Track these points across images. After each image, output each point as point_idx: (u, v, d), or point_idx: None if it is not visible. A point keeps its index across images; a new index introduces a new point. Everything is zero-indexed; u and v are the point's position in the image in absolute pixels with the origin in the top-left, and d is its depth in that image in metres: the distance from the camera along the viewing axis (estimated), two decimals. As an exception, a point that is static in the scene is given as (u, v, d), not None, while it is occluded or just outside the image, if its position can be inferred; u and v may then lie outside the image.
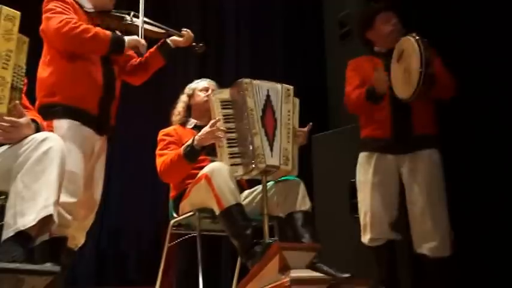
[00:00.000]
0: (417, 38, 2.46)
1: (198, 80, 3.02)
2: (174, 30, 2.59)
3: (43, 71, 2.31)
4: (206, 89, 2.92)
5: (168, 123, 3.02)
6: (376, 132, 2.68)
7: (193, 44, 2.62)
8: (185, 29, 2.61)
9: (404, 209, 2.64)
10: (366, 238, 2.67)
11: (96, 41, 2.24)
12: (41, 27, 2.31)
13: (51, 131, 2.09)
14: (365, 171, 2.69)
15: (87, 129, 2.27)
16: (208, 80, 3.02)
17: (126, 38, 2.35)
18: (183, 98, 2.95)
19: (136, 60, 2.59)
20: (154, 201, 5.28)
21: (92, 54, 2.32)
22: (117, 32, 2.36)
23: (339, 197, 3.19)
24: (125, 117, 5.25)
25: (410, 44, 2.48)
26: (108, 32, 2.31)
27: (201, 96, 2.90)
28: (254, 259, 2.16)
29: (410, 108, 2.60)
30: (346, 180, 3.13)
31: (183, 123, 2.89)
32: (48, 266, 1.50)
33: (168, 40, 2.56)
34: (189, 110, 2.92)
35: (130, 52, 2.52)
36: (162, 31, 2.55)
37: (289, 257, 1.85)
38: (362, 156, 2.73)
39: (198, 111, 2.89)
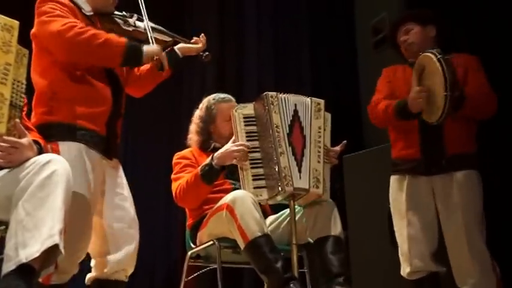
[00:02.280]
0: (438, 56, 2.43)
1: (215, 97, 2.89)
2: (180, 37, 2.50)
3: (38, 83, 2.21)
4: (230, 118, 2.62)
5: (184, 144, 3.01)
6: (405, 152, 2.66)
7: (200, 53, 2.52)
8: (200, 36, 2.52)
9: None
10: (405, 271, 2.63)
11: (107, 50, 2.12)
12: (33, 31, 2.19)
13: (57, 154, 2.04)
14: (397, 197, 2.68)
15: (95, 153, 2.20)
16: (229, 97, 2.91)
17: (145, 48, 2.20)
18: (200, 123, 2.85)
19: (138, 69, 2.49)
20: (168, 235, 5.30)
21: (100, 65, 2.22)
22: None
23: (376, 225, 3.16)
24: (133, 137, 5.38)
25: (432, 62, 2.45)
26: (122, 39, 2.17)
27: (228, 129, 2.71)
28: None
29: (441, 125, 2.56)
30: (384, 206, 3.08)
31: (201, 146, 2.85)
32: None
33: (175, 48, 2.46)
34: (208, 134, 2.85)
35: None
36: (169, 38, 2.45)
37: None
38: (393, 179, 2.72)
39: (224, 139, 2.73)
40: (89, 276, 2.28)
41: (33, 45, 2.23)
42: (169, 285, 5.08)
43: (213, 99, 2.89)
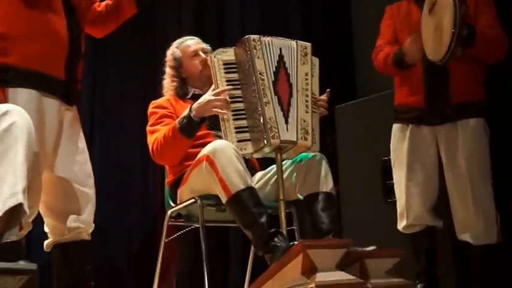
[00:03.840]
0: None
1: (180, 41, 2.94)
2: None
3: None
4: (196, 53, 2.86)
5: (159, 93, 3.01)
6: (408, 99, 2.71)
7: None
8: None
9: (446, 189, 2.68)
10: (401, 225, 2.73)
11: None
12: None
13: (4, 101, 2.01)
14: (399, 147, 2.74)
15: (52, 100, 2.18)
16: (193, 37, 2.97)
17: None
18: (171, 72, 2.90)
19: (99, 5, 2.45)
20: (144, 191, 5.33)
21: None
22: None
23: (369, 178, 3.23)
24: (101, 86, 5.34)
25: None
26: None
27: (196, 65, 2.84)
28: (275, 253, 2.17)
29: (447, 70, 2.61)
30: (377, 159, 3.14)
31: (179, 94, 2.87)
32: (22, 264, 1.51)
33: None
34: (182, 81, 2.88)
35: None
36: None
37: (315, 257, 1.87)
38: (395, 128, 2.78)
39: (199, 82, 2.84)
40: (47, 242, 2.29)
41: None
42: (147, 247, 5.13)
43: (176, 44, 2.96)
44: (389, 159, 2.83)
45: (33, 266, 1.52)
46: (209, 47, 2.87)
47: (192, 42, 2.93)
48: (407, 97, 2.71)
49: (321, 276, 1.84)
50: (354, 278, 1.94)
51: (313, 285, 1.80)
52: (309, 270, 1.85)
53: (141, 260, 5.08)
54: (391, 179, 2.84)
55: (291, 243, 2.13)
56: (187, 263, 4.15)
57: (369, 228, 3.14)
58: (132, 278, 5.05)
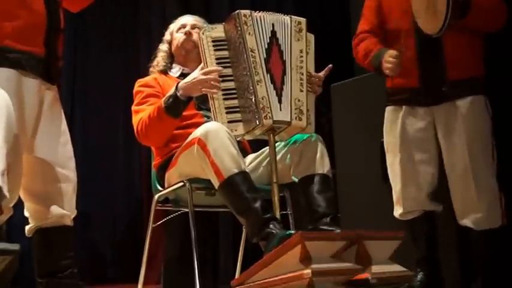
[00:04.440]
0: None
1: (179, 19, 3.02)
2: None
3: None
4: (183, 26, 2.93)
5: (144, 72, 3.02)
6: (401, 80, 2.68)
7: None
8: None
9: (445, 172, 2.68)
10: (397, 212, 2.73)
11: None
12: None
13: None
14: (392, 131, 2.73)
15: (32, 80, 2.19)
16: (189, 15, 3.03)
17: None
18: (163, 47, 2.97)
19: None
20: (129, 175, 5.35)
21: None
22: None
23: (367, 161, 3.24)
24: (82, 64, 5.33)
25: None
26: None
27: (178, 37, 2.91)
28: (269, 241, 2.18)
29: (442, 44, 2.59)
30: (376, 140, 3.14)
31: (166, 71, 2.90)
32: (4, 244, 1.52)
33: None
34: (171, 58, 2.94)
35: None
36: None
37: (313, 248, 1.87)
38: (388, 111, 2.77)
39: (181, 57, 2.91)
40: (29, 227, 2.30)
41: None
42: (133, 233, 5.16)
43: (173, 24, 3.01)
44: None
45: (15, 246, 1.54)
46: (205, 25, 2.81)
47: (187, 18, 2.98)
48: (400, 77, 2.66)
49: (318, 265, 1.85)
50: (352, 264, 1.95)
51: (309, 271, 1.81)
52: (306, 259, 1.86)
53: (126, 247, 5.12)
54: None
55: (288, 232, 2.14)
56: (175, 249, 4.18)
57: (367, 212, 3.16)
58: (117, 266, 5.09)
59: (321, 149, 2.53)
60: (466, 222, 2.59)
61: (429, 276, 2.65)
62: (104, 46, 5.34)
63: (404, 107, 2.69)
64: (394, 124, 2.71)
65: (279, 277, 1.92)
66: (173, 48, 2.93)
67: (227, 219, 4.08)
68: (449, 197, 2.67)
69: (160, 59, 2.92)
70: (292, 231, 2.09)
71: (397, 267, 2.11)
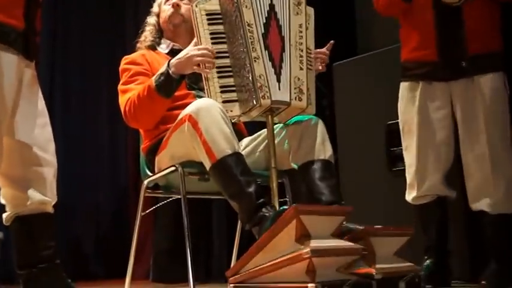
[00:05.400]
0: None
1: None
2: None
3: None
4: None
5: (130, 49, 3.01)
6: (418, 52, 2.72)
7: None
8: None
9: (460, 154, 2.71)
10: (410, 195, 2.76)
11: None
12: None
13: None
14: (408, 109, 2.76)
15: (11, 55, 2.18)
16: None
17: None
18: (151, 20, 2.98)
19: None
20: (113, 160, 5.35)
21: None
22: None
23: (371, 145, 3.28)
24: (64, 39, 5.31)
25: None
26: None
27: (165, 10, 2.92)
28: (262, 225, 2.18)
29: (462, 17, 2.63)
30: (380, 123, 3.17)
31: (154, 47, 2.90)
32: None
33: None
34: (160, 32, 2.95)
35: None
36: None
37: (310, 224, 1.88)
38: (403, 87, 2.79)
39: (169, 31, 2.92)
40: (6, 214, 2.31)
41: None
42: (117, 223, 5.18)
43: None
44: (396, 123, 2.86)
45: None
46: None
47: None
48: (417, 50, 2.72)
49: (316, 242, 1.85)
50: (353, 244, 1.97)
51: (308, 249, 1.81)
52: (303, 236, 1.86)
53: (110, 239, 5.14)
54: (397, 145, 2.91)
55: (281, 209, 2.14)
56: (166, 241, 4.20)
57: (370, 200, 3.20)
58: (100, 260, 5.11)
59: (321, 132, 2.55)
60: (481, 205, 2.63)
61: (437, 264, 2.69)
62: (87, 20, 5.34)
63: (421, 82, 2.72)
64: (411, 102, 2.74)
65: (276, 261, 1.92)
66: (161, 21, 2.94)
67: (221, 206, 4.09)
68: (459, 182, 2.72)
69: (148, 34, 2.93)
70: (286, 207, 2.10)
71: (402, 263, 2.14)
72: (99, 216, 5.32)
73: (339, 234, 2.02)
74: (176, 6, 2.87)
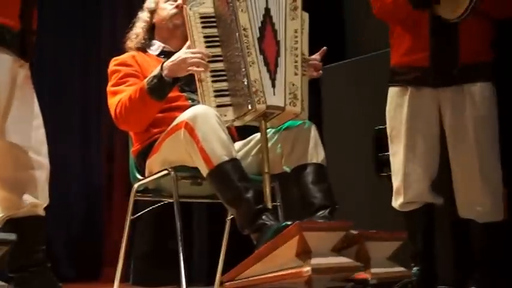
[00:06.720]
0: None
1: None
2: None
3: None
4: None
5: (112, 47, 3.03)
6: (410, 57, 2.79)
7: None
8: None
9: (447, 161, 2.79)
10: (397, 202, 2.85)
11: None
12: None
13: None
14: (397, 115, 2.83)
15: (5, 56, 2.24)
16: None
17: None
18: (143, 16, 2.99)
19: None
20: (86, 161, 5.35)
21: None
22: None
23: (359, 150, 3.35)
24: (44, 36, 5.30)
25: None
26: None
27: (167, 9, 2.94)
28: (263, 234, 2.24)
29: (457, 26, 2.70)
30: (369, 128, 3.24)
31: (144, 48, 2.94)
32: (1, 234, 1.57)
33: None
34: (152, 31, 2.97)
35: None
36: None
37: (312, 240, 1.95)
38: (392, 92, 2.87)
39: (166, 31, 2.94)
40: None
41: None
42: (90, 226, 5.18)
43: None
44: (384, 128, 2.93)
45: (12, 236, 1.60)
46: None
47: None
48: (409, 55, 2.77)
49: (317, 260, 1.93)
50: (352, 261, 2.05)
51: (308, 268, 1.89)
52: (304, 253, 1.94)
53: (82, 242, 5.14)
54: (385, 150, 2.96)
55: (283, 224, 2.20)
56: (145, 244, 4.24)
57: (358, 205, 3.27)
58: (71, 263, 5.10)
59: (314, 136, 2.61)
60: (469, 214, 2.72)
61: (424, 271, 2.78)
62: (60, 17, 5.34)
63: (410, 88, 2.78)
64: (400, 107, 2.80)
65: (275, 274, 2.01)
66: (156, 19, 2.96)
67: (201, 209, 4.15)
68: (446, 189, 2.81)
69: (140, 31, 2.94)
70: (289, 223, 2.15)
71: (396, 267, 2.24)
72: (70, 217, 5.32)
73: (339, 248, 2.10)
74: (181, 8, 2.85)
